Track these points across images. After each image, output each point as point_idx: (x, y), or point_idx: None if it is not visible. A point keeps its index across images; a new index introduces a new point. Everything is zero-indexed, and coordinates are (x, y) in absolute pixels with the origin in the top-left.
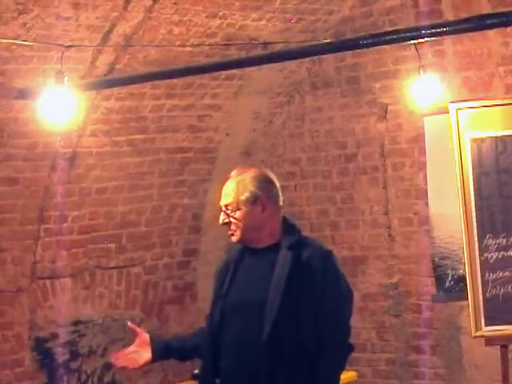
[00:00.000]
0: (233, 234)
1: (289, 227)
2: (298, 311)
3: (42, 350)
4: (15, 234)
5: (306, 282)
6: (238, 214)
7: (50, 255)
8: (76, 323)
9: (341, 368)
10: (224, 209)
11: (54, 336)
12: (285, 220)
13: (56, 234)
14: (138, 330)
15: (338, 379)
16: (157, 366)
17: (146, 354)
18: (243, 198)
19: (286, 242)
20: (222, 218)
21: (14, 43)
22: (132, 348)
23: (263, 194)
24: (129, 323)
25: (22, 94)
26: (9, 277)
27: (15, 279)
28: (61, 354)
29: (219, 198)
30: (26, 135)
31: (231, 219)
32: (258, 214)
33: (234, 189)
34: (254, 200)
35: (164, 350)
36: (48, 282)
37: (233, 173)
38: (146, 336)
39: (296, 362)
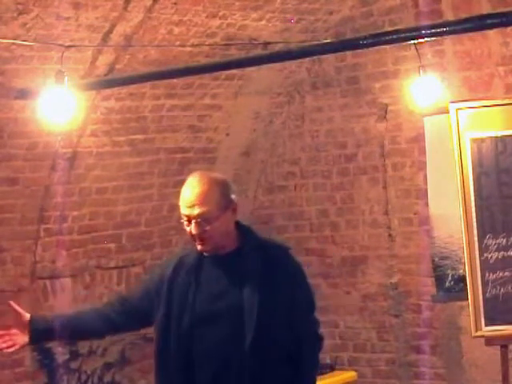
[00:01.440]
0: (203, 244)
1: (244, 230)
2: (275, 313)
3: (42, 350)
4: (15, 234)
5: (277, 282)
6: (214, 225)
7: (49, 255)
8: None
9: (318, 361)
10: (195, 221)
11: None
12: (238, 223)
13: (56, 234)
14: (19, 310)
15: (316, 374)
16: None
17: (24, 337)
18: (219, 203)
19: (249, 245)
20: (197, 230)
21: (13, 43)
22: (12, 330)
23: (234, 197)
24: (11, 302)
25: (22, 94)
26: (9, 277)
27: (15, 279)
28: (61, 354)
29: None
30: (26, 135)
31: (206, 228)
32: (230, 219)
33: (207, 196)
34: (228, 205)
35: (43, 332)
36: (48, 282)
37: (193, 180)
38: (27, 317)
39: (278, 364)
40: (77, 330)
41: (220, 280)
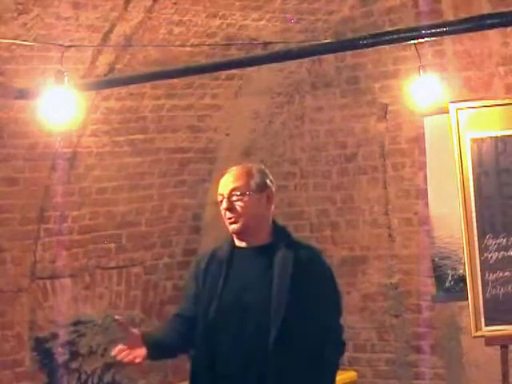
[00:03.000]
0: (235, 222)
1: (279, 228)
2: (301, 313)
3: (42, 349)
4: (15, 234)
5: (307, 283)
6: (245, 200)
7: (50, 255)
8: (76, 323)
9: (338, 365)
10: (228, 195)
11: (54, 336)
12: (274, 222)
13: (56, 234)
14: (129, 327)
15: (335, 377)
16: (157, 366)
17: (142, 350)
18: (253, 182)
19: (282, 243)
20: (228, 204)
21: (13, 43)
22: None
23: (271, 186)
24: (121, 321)
25: (22, 94)
26: (9, 277)
27: (15, 279)
28: (61, 354)
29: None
30: (26, 135)
31: (237, 203)
32: (263, 204)
33: (243, 174)
34: (263, 187)
35: (155, 348)
36: (48, 281)
37: (234, 167)
38: (137, 332)
39: (301, 362)
40: (173, 350)
41: (249, 273)
